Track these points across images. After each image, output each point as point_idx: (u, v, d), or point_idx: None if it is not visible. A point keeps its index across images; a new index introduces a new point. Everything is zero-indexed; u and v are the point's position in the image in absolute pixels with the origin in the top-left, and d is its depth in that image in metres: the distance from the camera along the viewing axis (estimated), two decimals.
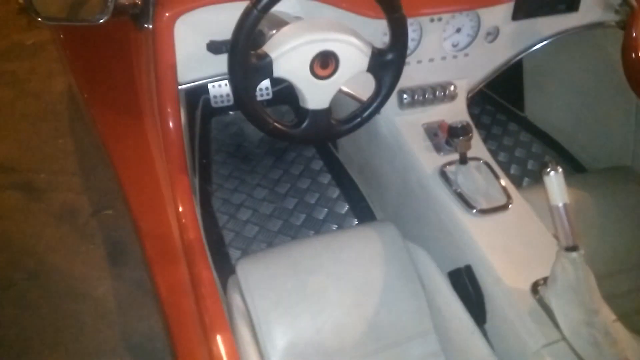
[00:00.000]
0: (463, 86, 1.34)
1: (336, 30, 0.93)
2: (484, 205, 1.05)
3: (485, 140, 1.79)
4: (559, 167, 0.78)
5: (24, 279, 1.60)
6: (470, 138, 1.12)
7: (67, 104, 2.31)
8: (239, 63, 0.89)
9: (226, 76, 1.08)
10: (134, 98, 1.38)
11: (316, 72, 0.94)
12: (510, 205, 1.04)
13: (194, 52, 1.03)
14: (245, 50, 0.89)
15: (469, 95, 1.35)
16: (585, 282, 0.78)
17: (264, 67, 0.90)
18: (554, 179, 0.78)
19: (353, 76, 0.98)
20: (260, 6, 0.85)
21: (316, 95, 0.98)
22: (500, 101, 2.04)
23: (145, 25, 1.00)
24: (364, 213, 1.54)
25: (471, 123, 1.19)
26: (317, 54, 0.91)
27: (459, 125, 1.12)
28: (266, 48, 0.91)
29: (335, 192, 1.63)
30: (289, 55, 0.91)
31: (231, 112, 1.93)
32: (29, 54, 2.66)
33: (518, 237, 1.00)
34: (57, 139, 2.12)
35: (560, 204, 0.79)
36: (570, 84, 1.68)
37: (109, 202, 1.84)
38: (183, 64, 1.01)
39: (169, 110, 1.03)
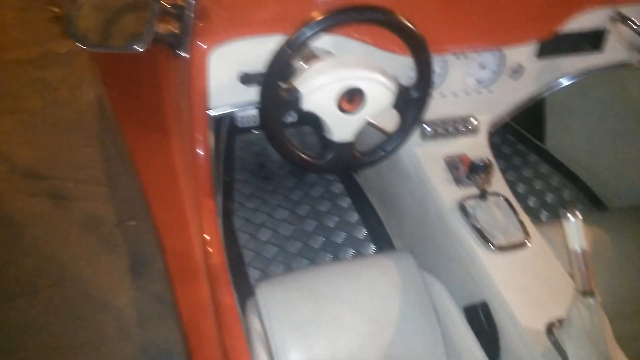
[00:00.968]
0: (485, 121, 1.36)
1: (364, 68, 0.97)
2: (502, 241, 1.07)
3: (504, 170, 1.81)
4: (578, 212, 0.80)
5: (49, 285, 1.65)
6: (491, 175, 1.14)
7: (95, 114, 2.37)
8: (269, 97, 0.93)
9: (255, 105, 1.13)
10: (162, 117, 1.43)
11: (343, 107, 0.98)
12: (528, 243, 1.06)
13: (225, 81, 1.07)
14: (276, 85, 0.93)
15: (491, 130, 1.37)
16: (600, 328, 0.80)
17: (293, 102, 0.94)
18: (573, 225, 0.80)
19: (378, 112, 1.01)
20: (293, 45, 0.90)
21: (341, 128, 1.02)
22: (522, 131, 2.05)
23: (181, 53, 1.05)
24: (381, 239, 1.56)
25: (493, 160, 1.22)
26: (345, 90, 0.95)
27: (481, 163, 1.15)
28: (296, 83, 0.94)
29: (354, 217, 1.66)
30: (318, 91, 0.95)
31: (255, 131, 1.98)
32: (62, 63, 2.74)
33: (535, 276, 1.02)
34: (85, 148, 2.19)
35: (579, 249, 0.81)
36: (593, 119, 1.69)
37: (132, 213, 1.89)
38: (214, 91, 1.05)
39: (198, 136, 1.07)
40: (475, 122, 1.33)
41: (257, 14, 1.05)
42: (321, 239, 1.59)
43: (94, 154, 2.17)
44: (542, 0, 1.22)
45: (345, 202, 1.72)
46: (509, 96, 1.35)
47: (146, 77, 1.47)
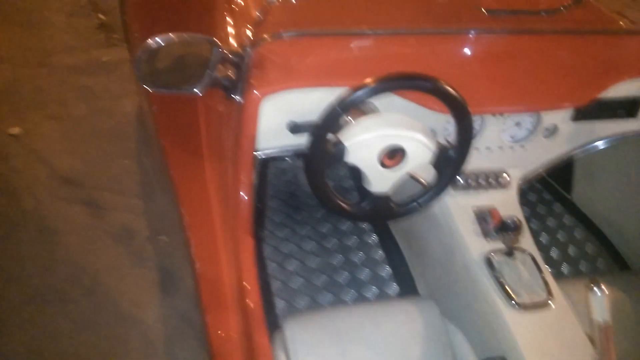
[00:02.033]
0: (516, 175, 1.40)
1: (407, 128, 1.02)
2: (526, 299, 1.10)
3: (528, 218, 1.83)
4: (605, 289, 0.84)
5: (81, 294, 1.72)
6: (521, 236, 1.18)
7: (135, 126, 2.46)
8: (317, 150, 0.99)
9: (300, 150, 1.19)
10: (207, 145, 1.49)
11: (384, 163, 1.03)
12: (551, 304, 1.09)
13: (274, 127, 1.12)
14: (324, 140, 0.99)
15: (522, 185, 1.41)
16: None
17: (339, 155, 1.00)
18: (599, 298, 0.84)
19: (417, 168, 1.06)
20: (344, 106, 0.96)
21: (380, 181, 1.07)
22: (549, 180, 2.08)
23: (235, 97, 1.11)
24: (405, 280, 1.60)
25: (523, 219, 1.25)
26: (388, 147, 1.01)
27: (511, 223, 1.19)
28: (342, 137, 1.00)
29: (379, 254, 1.70)
30: (362, 147, 1.00)
31: (288, 159, 2.03)
32: (105, 71, 2.84)
33: (555, 338, 1.05)
34: (123, 159, 2.27)
35: (602, 322, 0.85)
36: (622, 178, 1.71)
37: (164, 228, 1.96)
38: (262, 135, 1.11)
39: (243, 178, 1.12)
40: (507, 177, 1.37)
41: (309, 68, 1.11)
42: (346, 274, 1.64)
43: (131, 166, 2.24)
44: (581, 69, 1.26)
45: (372, 239, 1.76)
46: (542, 154, 1.39)
47: (193, 102, 1.53)
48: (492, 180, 1.36)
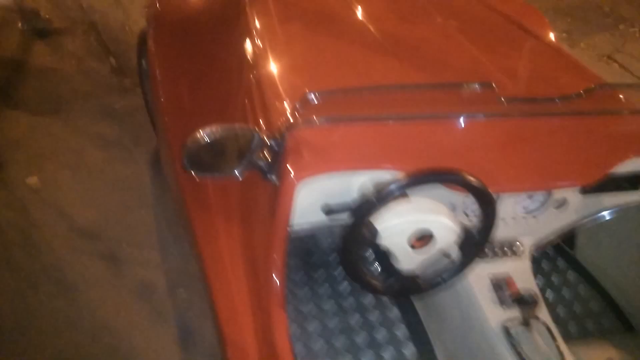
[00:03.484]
0: (528, 243, 1.49)
1: (435, 212, 1.11)
2: None
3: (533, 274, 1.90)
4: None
5: (102, 352, 1.76)
6: (537, 309, 1.25)
7: (150, 175, 2.52)
8: (352, 235, 1.07)
9: (330, 226, 1.26)
10: (232, 208, 1.55)
11: (413, 244, 1.11)
12: None
13: (308, 207, 1.19)
14: (359, 226, 1.07)
15: (534, 252, 1.49)
16: None
17: (371, 238, 1.08)
18: None
19: (444, 249, 1.14)
20: (379, 198, 1.04)
21: (409, 261, 1.15)
22: None
23: (270, 177, 1.18)
24: (422, 341, 1.65)
25: (538, 291, 1.33)
26: (417, 231, 1.09)
27: (528, 295, 1.26)
28: (376, 222, 1.08)
29: (396, 313, 1.75)
30: (393, 230, 1.08)
31: None
32: (118, 118, 2.90)
33: None
34: (140, 209, 2.32)
35: None
36: (624, 242, 1.79)
37: (182, 281, 2.01)
38: (295, 212, 1.16)
39: (276, 257, 1.17)
40: (520, 246, 1.46)
41: (343, 153, 1.17)
42: (364, 334, 1.69)
43: (147, 216, 2.30)
44: (591, 149, 1.35)
45: (389, 298, 1.82)
46: (552, 223, 1.48)
47: None
48: (506, 249, 1.45)
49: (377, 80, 1.47)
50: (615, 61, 4.67)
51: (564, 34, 4.92)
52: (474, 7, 2.20)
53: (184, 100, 1.84)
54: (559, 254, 2.07)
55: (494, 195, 1.31)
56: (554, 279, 1.97)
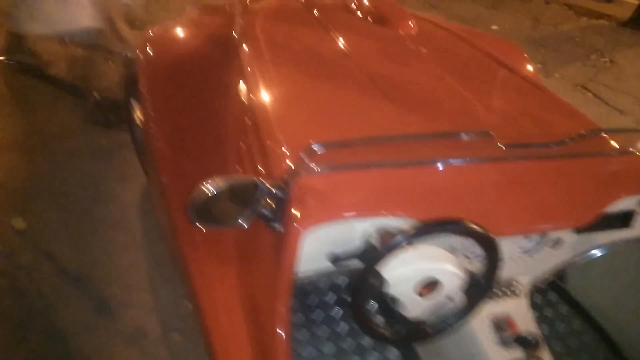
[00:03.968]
0: (525, 282, 1.53)
1: (441, 260, 1.13)
2: None
3: None
4: None
5: None
6: (539, 352, 1.27)
7: (138, 213, 2.49)
8: (361, 285, 1.08)
9: (335, 272, 1.26)
10: (229, 252, 1.54)
11: (420, 292, 1.12)
12: None
13: (311, 254, 1.20)
14: (368, 277, 1.08)
15: (531, 291, 1.52)
16: None
17: (379, 286, 1.09)
18: None
19: (449, 295, 1.16)
20: (387, 249, 1.06)
21: (416, 307, 1.16)
22: None
23: (275, 227, 1.18)
24: None
25: (538, 331, 1.35)
26: (424, 279, 1.10)
27: (530, 337, 1.28)
28: (384, 271, 1.09)
29: (395, 354, 1.75)
30: (401, 279, 1.10)
31: None
32: (105, 156, 2.86)
33: None
34: (129, 250, 2.29)
35: None
36: (615, 274, 1.83)
37: (176, 325, 1.98)
38: (299, 260, 1.15)
39: (280, 308, 1.15)
40: (518, 285, 1.49)
41: (349, 200, 1.18)
42: None
43: (138, 257, 2.26)
44: (584, 193, 1.39)
45: None
46: (548, 262, 1.52)
47: None
48: (505, 288, 1.48)
49: (375, 125, 1.50)
50: (589, 90, 4.83)
51: (539, 65, 5.08)
52: (459, 47, 2.27)
53: (178, 142, 1.84)
54: (550, 287, 2.11)
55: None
56: (547, 312, 2.00)
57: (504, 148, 1.29)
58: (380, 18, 2.35)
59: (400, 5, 2.51)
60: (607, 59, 5.59)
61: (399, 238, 1.05)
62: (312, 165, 1.14)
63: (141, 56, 2.09)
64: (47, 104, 3.32)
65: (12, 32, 3.66)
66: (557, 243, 1.47)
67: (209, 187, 1.07)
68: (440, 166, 1.28)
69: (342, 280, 1.94)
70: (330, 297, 1.91)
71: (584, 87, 4.84)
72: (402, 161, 1.26)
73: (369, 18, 2.37)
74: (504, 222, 1.28)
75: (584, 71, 5.21)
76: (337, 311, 1.86)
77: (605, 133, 1.43)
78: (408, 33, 2.25)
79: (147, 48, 2.11)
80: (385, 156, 1.26)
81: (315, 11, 2.37)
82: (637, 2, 6.86)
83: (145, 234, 2.38)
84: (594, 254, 1.55)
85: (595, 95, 4.71)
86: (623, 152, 1.47)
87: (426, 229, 1.08)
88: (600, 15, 7.14)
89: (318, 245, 1.20)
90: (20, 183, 2.63)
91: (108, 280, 2.14)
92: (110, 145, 2.96)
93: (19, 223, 2.36)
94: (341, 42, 2.01)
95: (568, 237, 1.47)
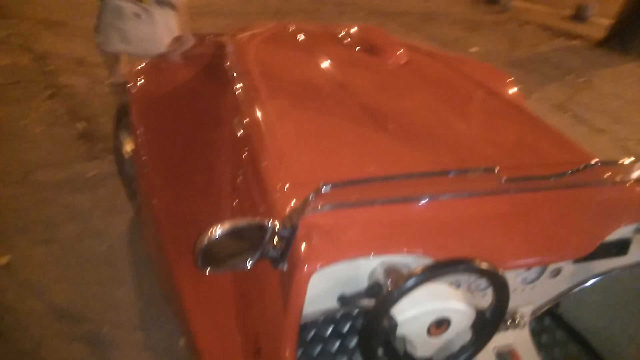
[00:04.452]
0: (527, 312, 1.53)
1: (452, 299, 1.12)
2: None
3: None
4: None
5: None
6: None
7: (128, 247, 2.44)
8: (371, 328, 1.06)
9: (343, 313, 1.24)
10: (228, 292, 1.51)
11: (430, 331, 1.11)
12: None
13: (318, 294, 1.18)
14: (379, 320, 1.06)
15: (531, 318, 1.52)
16: None
17: (391, 329, 1.08)
18: None
19: (459, 333, 1.15)
20: (399, 293, 1.05)
21: (424, 347, 1.15)
22: None
23: (280, 266, 1.16)
24: None
25: None
26: (435, 319, 1.09)
27: None
28: (394, 312, 1.08)
29: None
30: (412, 320, 1.08)
31: None
32: (91, 187, 2.81)
33: None
34: (120, 286, 2.23)
35: None
36: (610, 299, 1.84)
37: None
38: (308, 303, 1.13)
39: (287, 354, 1.12)
40: (520, 316, 1.49)
41: (357, 239, 1.17)
42: None
43: (129, 294, 2.21)
44: (584, 223, 1.41)
45: None
46: (549, 292, 1.53)
47: None
48: (507, 320, 1.48)
49: (378, 161, 1.50)
50: (568, 111, 4.94)
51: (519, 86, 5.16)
52: (449, 76, 2.29)
53: (172, 175, 1.82)
54: (545, 313, 2.11)
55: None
56: (544, 339, 2.00)
57: (508, 182, 1.29)
58: (370, 48, 2.37)
59: (389, 34, 2.55)
60: (583, 79, 5.74)
61: (412, 281, 1.04)
62: (318, 204, 1.13)
63: (133, 88, 2.07)
64: (29, 135, 3.25)
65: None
66: (557, 273, 1.49)
67: (216, 232, 1.05)
68: (446, 201, 1.28)
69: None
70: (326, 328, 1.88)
71: (563, 107, 4.94)
72: (409, 197, 1.25)
73: (359, 48, 2.39)
74: (511, 256, 1.29)
75: (562, 91, 5.33)
76: (334, 344, 1.83)
77: (603, 165, 1.45)
78: (398, 62, 2.27)
79: (139, 80, 2.09)
80: (391, 192, 1.26)
81: (305, 41, 2.38)
82: (609, 23, 7.09)
83: (134, 269, 2.33)
84: (592, 282, 1.57)
85: (574, 115, 4.82)
86: (620, 181, 1.49)
87: (439, 270, 1.07)
88: (575, 36, 7.35)
89: (324, 285, 1.18)
90: (4, 218, 2.55)
91: (98, 318, 2.08)
92: (97, 177, 2.91)
93: (4, 260, 2.29)
94: (335, 73, 2.02)
95: (566, 266, 1.48)
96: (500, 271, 1.14)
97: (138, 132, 1.94)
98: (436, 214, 1.29)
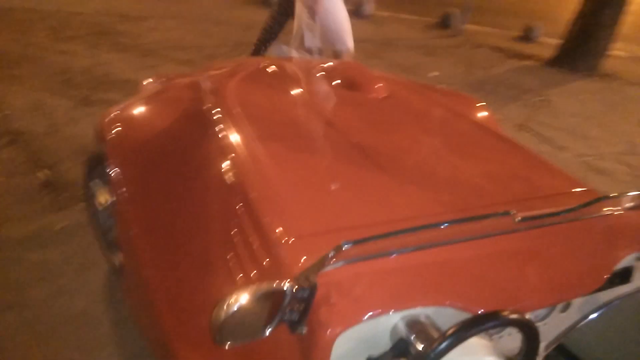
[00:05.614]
0: (541, 349, 1.49)
1: (484, 354, 1.07)
2: None
3: None
4: None
5: None
6: None
7: (106, 306, 2.28)
8: None
9: None
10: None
11: None
12: None
13: (344, 357, 1.10)
14: None
15: (545, 354, 1.49)
16: None
17: None
18: None
19: None
20: (435, 355, 0.98)
21: None
22: None
23: (300, 330, 1.08)
24: None
25: None
26: None
27: None
28: None
29: None
30: None
31: None
32: (60, 241, 2.63)
33: None
34: (100, 350, 2.07)
35: None
36: (612, 323, 1.83)
37: None
38: None
39: None
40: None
41: (378, 295, 1.11)
42: None
43: (110, 356, 2.05)
44: (595, 258, 1.40)
45: None
46: (559, 327, 1.50)
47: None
48: None
49: (383, 207, 1.45)
50: (530, 130, 5.08)
51: None
52: (430, 108, 2.29)
53: (159, 231, 1.70)
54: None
55: None
56: None
57: (522, 221, 1.27)
58: (348, 82, 2.34)
59: (367, 68, 2.53)
60: (540, 99, 5.93)
61: (445, 344, 0.98)
62: (336, 260, 1.06)
63: (108, 136, 1.95)
64: None
65: None
66: (566, 307, 1.48)
67: (232, 304, 0.97)
68: (461, 244, 1.24)
69: None
70: None
71: (525, 127, 5.07)
72: (426, 244, 1.20)
73: (337, 83, 2.36)
74: (531, 297, 1.27)
75: (521, 111, 5.48)
76: None
77: (608, 199, 1.45)
78: (378, 97, 2.25)
79: (115, 128, 1.98)
80: (406, 241, 1.20)
81: (284, 78, 2.34)
82: (556, 42, 7.41)
83: (116, 330, 2.17)
84: (599, 313, 1.55)
85: (535, 134, 4.95)
86: (619, 211, 1.50)
87: (470, 328, 1.01)
88: (526, 56, 7.65)
89: (345, 346, 1.11)
90: None
91: None
92: (66, 230, 2.73)
93: None
94: (320, 111, 1.98)
95: (575, 300, 1.47)
96: (530, 319, 1.11)
97: (117, 182, 1.82)
98: (452, 259, 1.25)
